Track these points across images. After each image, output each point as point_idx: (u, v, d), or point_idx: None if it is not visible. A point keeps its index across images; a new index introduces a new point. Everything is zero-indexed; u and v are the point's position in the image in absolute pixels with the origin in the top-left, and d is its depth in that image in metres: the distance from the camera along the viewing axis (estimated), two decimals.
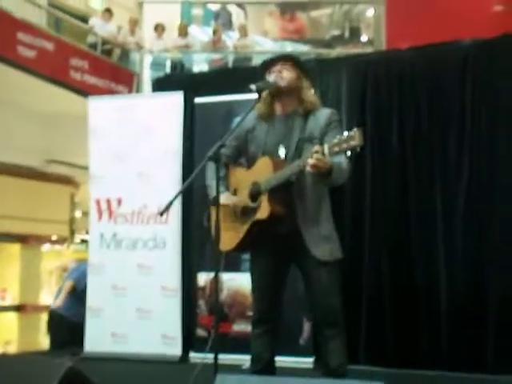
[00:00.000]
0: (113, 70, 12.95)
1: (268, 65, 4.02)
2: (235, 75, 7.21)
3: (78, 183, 14.91)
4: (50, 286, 14.51)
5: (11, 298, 13.93)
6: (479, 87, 5.70)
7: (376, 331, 5.79)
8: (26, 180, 13.59)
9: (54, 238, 15.29)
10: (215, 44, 14.47)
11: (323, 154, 3.51)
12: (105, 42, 13.34)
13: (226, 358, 3.60)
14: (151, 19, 14.97)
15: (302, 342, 5.93)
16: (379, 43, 13.18)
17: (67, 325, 7.34)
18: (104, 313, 6.44)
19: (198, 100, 6.54)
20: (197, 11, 18.22)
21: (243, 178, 3.99)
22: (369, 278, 5.87)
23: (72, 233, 15.72)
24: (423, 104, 5.88)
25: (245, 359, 5.11)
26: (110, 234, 6.55)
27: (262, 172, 3.84)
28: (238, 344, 5.69)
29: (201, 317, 6.29)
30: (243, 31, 14.54)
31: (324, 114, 3.94)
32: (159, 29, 14.13)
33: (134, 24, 14.21)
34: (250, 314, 5.56)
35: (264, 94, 3.92)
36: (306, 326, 5.93)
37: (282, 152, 3.89)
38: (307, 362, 5.80)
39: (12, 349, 12.98)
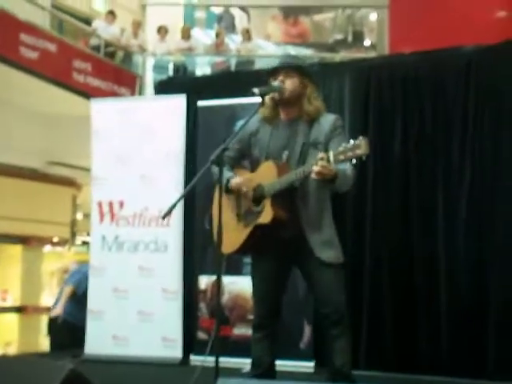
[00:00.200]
0: (115, 73, 12.96)
1: (272, 73, 4.03)
2: (238, 79, 7.22)
3: (80, 185, 14.92)
4: (50, 288, 14.51)
5: (12, 299, 13.93)
6: (482, 92, 5.70)
7: (376, 336, 5.79)
8: (27, 181, 13.60)
9: (55, 239, 15.29)
10: (218, 47, 14.49)
11: (328, 161, 3.51)
12: (108, 44, 13.35)
13: (226, 362, 3.61)
14: (154, 22, 15.01)
15: (302, 346, 5.92)
16: (382, 47, 13.23)
17: (67, 327, 7.34)
18: (105, 315, 6.43)
19: (200, 103, 6.54)
20: (200, 14, 18.27)
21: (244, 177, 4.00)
22: (369, 282, 5.87)
23: (73, 235, 15.73)
24: (426, 109, 5.88)
25: (245, 363, 5.12)
26: (111, 236, 6.54)
27: (266, 176, 3.84)
28: (238, 347, 5.68)
29: (202, 320, 6.28)
30: (247, 35, 14.55)
31: (328, 119, 3.95)
32: (162, 31, 14.14)
33: (137, 26, 14.23)
34: (251, 317, 5.56)
35: (267, 98, 3.93)
36: (307, 330, 5.91)
37: (285, 156, 3.90)
38: (308, 366, 5.79)
39: (12, 350, 12.98)
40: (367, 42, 17.76)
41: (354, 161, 3.49)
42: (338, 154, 3.50)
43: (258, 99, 3.94)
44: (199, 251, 6.34)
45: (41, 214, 13.89)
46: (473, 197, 5.62)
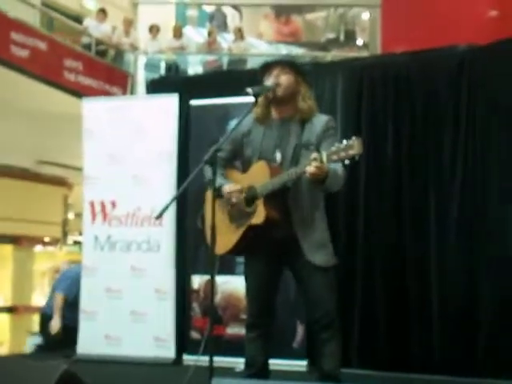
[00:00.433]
0: (107, 71, 12.93)
1: (266, 68, 4.01)
2: (231, 78, 7.20)
3: (71, 184, 14.91)
4: (42, 288, 14.50)
5: (3, 299, 13.93)
6: (474, 92, 5.71)
7: (368, 335, 5.80)
8: (18, 181, 13.60)
9: (46, 239, 15.28)
10: (210, 46, 14.49)
11: (321, 161, 3.51)
12: (99, 42, 13.31)
13: (219, 361, 3.59)
14: (146, 20, 14.98)
15: (295, 345, 5.92)
16: (374, 47, 13.24)
17: (65, 329, 7.29)
18: (97, 315, 6.41)
19: (193, 102, 6.53)
20: (192, 12, 18.27)
21: (238, 181, 3.98)
22: (362, 282, 5.88)
23: (65, 234, 15.71)
24: (418, 108, 5.89)
25: (238, 362, 5.12)
26: (104, 236, 6.53)
27: (258, 176, 3.83)
28: (231, 347, 5.68)
29: (195, 319, 6.27)
30: (239, 34, 14.54)
31: (321, 120, 3.94)
32: (154, 30, 14.13)
33: (129, 25, 14.20)
34: (244, 317, 5.56)
35: (261, 98, 3.92)
36: (300, 329, 5.92)
37: (278, 157, 3.89)
38: (301, 365, 5.80)
39: (4, 350, 12.95)
40: (359, 42, 17.80)
41: (347, 161, 3.48)
42: (331, 154, 3.49)
43: (251, 99, 3.92)
44: (192, 251, 6.33)
45: (32, 213, 13.87)
46: (464, 197, 5.64)
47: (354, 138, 3.44)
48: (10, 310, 13.87)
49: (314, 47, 17.51)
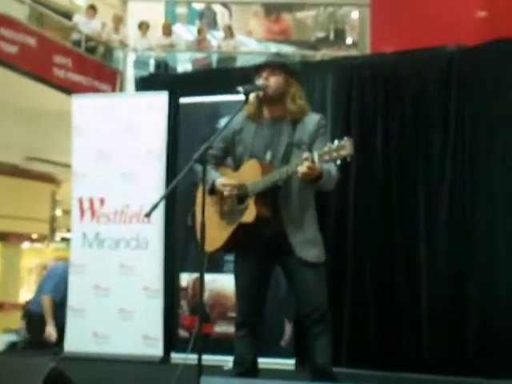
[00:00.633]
0: (96, 68, 12.91)
1: (256, 70, 4.01)
2: (221, 76, 7.18)
3: (59, 181, 14.86)
4: (29, 284, 14.45)
5: None
6: (463, 92, 5.73)
7: (358, 334, 5.80)
8: (6, 177, 13.55)
9: (34, 236, 15.23)
10: (199, 43, 14.47)
11: (313, 161, 3.51)
12: (88, 39, 13.28)
13: (206, 359, 3.59)
14: (135, 17, 14.96)
15: (283, 343, 5.93)
16: (364, 45, 13.26)
17: (44, 320, 7.25)
18: (85, 313, 6.39)
19: (182, 100, 6.52)
20: (181, 10, 18.23)
21: (230, 179, 3.98)
22: (351, 280, 5.88)
23: (52, 231, 15.66)
24: (408, 108, 5.90)
25: (226, 360, 5.12)
26: (92, 233, 6.51)
27: (250, 175, 3.83)
28: (218, 345, 5.69)
29: (183, 317, 6.27)
30: (229, 32, 14.54)
31: (313, 119, 3.94)
32: (143, 27, 14.10)
33: (119, 21, 14.18)
34: (232, 315, 5.59)
35: (252, 96, 3.92)
36: (288, 328, 5.92)
37: (268, 156, 3.89)
38: (289, 363, 5.81)
39: None
40: (349, 40, 17.83)
41: (339, 161, 3.49)
42: (323, 154, 3.50)
43: (242, 97, 3.92)
44: (180, 248, 6.33)
45: (20, 210, 13.82)
46: (453, 197, 5.65)
47: (345, 138, 3.45)
48: None
49: (304, 46, 17.52)
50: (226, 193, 3.91)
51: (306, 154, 3.55)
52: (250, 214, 3.79)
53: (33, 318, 7.45)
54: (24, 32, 11.20)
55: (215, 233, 3.93)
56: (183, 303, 6.29)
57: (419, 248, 5.72)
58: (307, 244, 3.85)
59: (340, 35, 17.89)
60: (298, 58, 12.64)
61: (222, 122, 5.96)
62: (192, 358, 3.75)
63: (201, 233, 3.65)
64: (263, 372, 4.12)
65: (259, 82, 3.94)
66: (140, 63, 13.71)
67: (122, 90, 13.02)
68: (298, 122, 3.91)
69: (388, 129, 5.95)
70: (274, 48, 16.64)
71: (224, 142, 4.05)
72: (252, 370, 3.98)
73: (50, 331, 7.01)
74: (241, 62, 13.44)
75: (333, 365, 3.94)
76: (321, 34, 18.22)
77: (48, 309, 7.08)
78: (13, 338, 7.81)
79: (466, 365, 5.42)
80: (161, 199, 3.80)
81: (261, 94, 3.91)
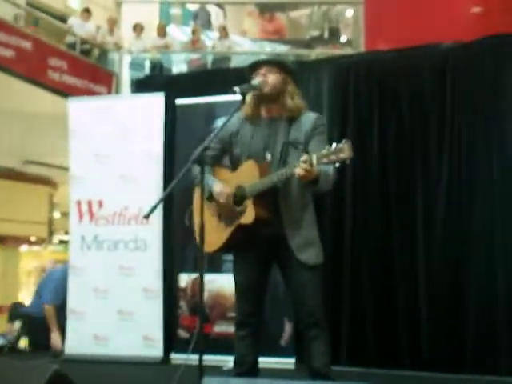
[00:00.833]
0: (92, 70, 12.90)
1: (254, 67, 4.01)
2: (216, 76, 7.20)
3: (57, 184, 14.84)
4: (28, 287, 14.41)
5: None
6: (459, 89, 5.75)
7: (357, 333, 5.82)
8: (3, 180, 13.50)
9: (32, 238, 15.20)
10: (194, 44, 14.46)
11: (311, 164, 3.51)
12: (83, 41, 13.28)
13: (206, 359, 3.59)
14: (130, 19, 14.94)
15: (283, 342, 5.94)
16: (358, 44, 13.24)
17: (45, 325, 7.24)
18: (85, 315, 6.42)
19: (179, 101, 6.53)
20: (175, 11, 18.22)
21: (228, 180, 3.98)
22: (350, 279, 5.90)
23: (50, 234, 15.63)
24: (404, 106, 5.91)
25: (225, 360, 5.14)
26: (91, 235, 6.53)
27: (248, 176, 3.84)
28: (218, 345, 5.69)
29: (182, 318, 6.29)
30: (223, 32, 14.54)
31: (309, 118, 3.94)
32: (138, 29, 14.08)
33: (113, 24, 14.16)
34: (231, 315, 5.60)
35: (249, 96, 3.92)
36: (287, 327, 5.94)
37: (268, 156, 3.89)
38: (289, 362, 5.82)
39: None
40: (343, 39, 17.82)
41: (338, 164, 3.49)
42: (322, 157, 3.49)
43: (238, 97, 3.92)
44: (179, 249, 6.34)
45: (17, 213, 13.79)
46: (450, 196, 5.67)
47: (344, 141, 3.45)
48: None
49: (298, 45, 17.49)
50: (221, 200, 3.93)
51: (304, 157, 3.55)
52: (248, 216, 3.79)
53: (32, 321, 7.43)
54: (19, 36, 11.20)
55: (214, 234, 3.93)
56: (182, 304, 6.30)
57: (417, 247, 5.74)
58: (306, 245, 3.85)
59: (334, 34, 17.88)
60: (293, 57, 12.63)
61: (219, 122, 5.97)
62: (192, 358, 3.75)
63: (199, 234, 3.65)
64: (263, 371, 4.11)
65: (256, 80, 3.94)
66: (135, 65, 13.70)
67: (117, 92, 13.00)
68: (294, 121, 3.91)
69: (384, 127, 5.97)
70: (268, 47, 16.65)
71: (221, 142, 4.05)
72: (253, 370, 3.97)
73: (56, 340, 6.97)
74: (235, 62, 13.43)
75: (332, 363, 3.94)
76: (315, 33, 18.20)
77: (52, 318, 7.04)
78: (2, 341, 7.75)
79: (465, 362, 5.45)
80: (159, 201, 3.79)
81: (257, 92, 3.91)
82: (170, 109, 6.57)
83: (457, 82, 5.76)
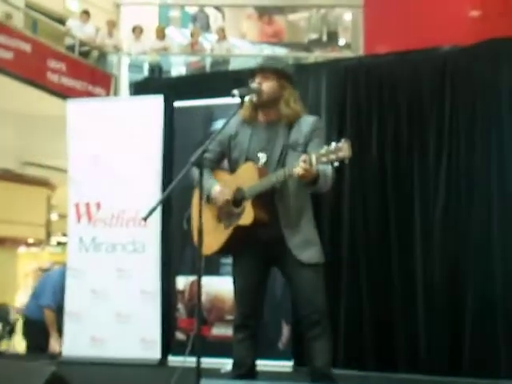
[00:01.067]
0: (90, 72, 12.92)
1: (251, 74, 4.02)
2: (215, 79, 7.20)
3: (55, 185, 14.85)
4: (25, 289, 14.42)
5: None
6: (458, 93, 5.75)
7: (354, 335, 5.81)
8: (1, 182, 13.53)
9: (30, 240, 15.21)
10: (193, 47, 14.48)
11: (310, 163, 3.52)
12: (82, 43, 13.29)
13: (203, 362, 3.59)
14: (129, 21, 14.97)
15: (280, 345, 5.94)
16: (357, 47, 13.26)
17: (42, 328, 7.23)
18: (83, 317, 6.39)
19: (177, 104, 6.54)
20: (174, 13, 18.26)
21: (226, 182, 4.00)
22: (347, 282, 5.89)
23: (48, 235, 15.64)
24: (402, 109, 5.91)
25: (223, 363, 5.14)
26: (89, 237, 6.52)
27: (247, 178, 3.85)
28: (215, 348, 5.68)
29: (180, 320, 6.28)
30: (222, 34, 14.56)
31: (308, 121, 3.95)
32: (137, 31, 14.12)
33: (112, 26, 14.20)
34: (229, 318, 5.60)
35: (247, 100, 3.93)
36: (285, 330, 5.93)
37: (264, 158, 3.90)
38: (287, 365, 5.82)
39: None
40: (342, 42, 17.85)
41: (337, 163, 3.50)
42: (321, 156, 3.51)
43: (237, 100, 3.93)
44: (177, 252, 6.34)
45: (15, 214, 13.80)
46: (449, 196, 5.67)
47: (343, 140, 3.46)
48: None
49: (297, 48, 17.53)
50: (219, 202, 3.94)
51: (303, 156, 3.56)
52: (247, 217, 3.80)
53: (30, 324, 7.43)
54: (19, 38, 11.21)
55: (212, 237, 3.94)
56: (180, 306, 6.30)
57: (415, 249, 5.73)
58: (305, 245, 3.86)
59: (333, 37, 17.91)
60: (291, 60, 12.64)
61: (217, 125, 5.98)
62: (190, 360, 3.76)
63: (198, 237, 3.66)
64: (261, 374, 4.13)
65: (254, 84, 3.94)
66: (134, 67, 13.72)
67: (116, 94, 13.03)
68: (293, 125, 3.93)
69: (383, 130, 5.96)
70: (267, 50, 16.67)
71: (220, 145, 4.07)
72: (251, 373, 3.99)
73: (55, 345, 6.97)
74: (234, 64, 13.46)
75: (331, 367, 3.95)
76: (314, 36, 18.24)
77: (52, 323, 7.03)
78: None
79: (463, 365, 5.44)
80: (158, 203, 3.80)
81: (255, 98, 3.92)
82: (169, 111, 6.56)
83: (456, 85, 5.76)
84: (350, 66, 6.33)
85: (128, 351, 6.22)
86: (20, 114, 11.85)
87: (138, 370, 5.98)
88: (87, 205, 6.57)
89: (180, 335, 6.23)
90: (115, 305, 6.31)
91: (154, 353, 6.22)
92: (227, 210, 3.93)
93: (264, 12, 18.59)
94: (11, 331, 10.94)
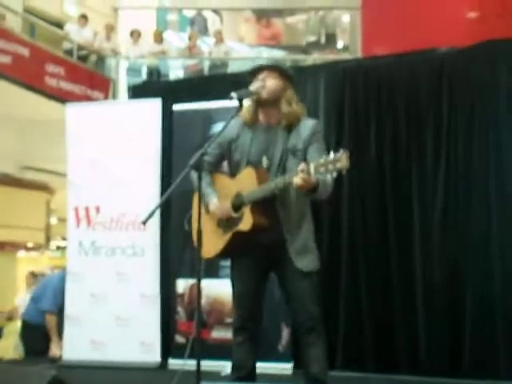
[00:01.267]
0: (89, 76, 12.92)
1: (255, 72, 4.02)
2: (213, 82, 7.21)
3: (54, 189, 14.85)
4: (18, 293, 14.43)
5: None
6: (455, 94, 5.76)
7: (353, 337, 5.82)
8: (0, 187, 13.52)
9: (29, 244, 15.21)
10: (191, 50, 14.48)
11: (309, 173, 3.52)
12: (80, 48, 13.30)
13: (203, 365, 3.59)
14: (127, 25, 14.97)
15: (280, 348, 5.93)
16: (355, 49, 13.27)
17: (42, 332, 7.23)
18: (83, 320, 6.40)
19: (176, 107, 6.54)
20: (172, 17, 18.26)
21: (226, 186, 4.00)
22: (346, 283, 5.90)
23: (48, 239, 15.64)
24: (401, 111, 5.93)
25: (223, 366, 5.14)
26: (88, 241, 6.52)
27: (246, 183, 3.84)
28: (215, 351, 5.67)
29: (179, 324, 6.28)
30: (219, 36, 14.57)
31: (307, 125, 3.94)
32: (135, 35, 14.12)
33: (110, 30, 14.21)
34: (228, 320, 5.60)
35: (247, 102, 3.93)
36: (285, 332, 5.93)
37: (265, 162, 3.90)
38: (286, 368, 5.82)
39: None
40: (340, 44, 17.84)
41: (335, 174, 3.50)
42: (319, 166, 3.49)
43: (235, 103, 3.93)
44: (176, 255, 6.34)
45: (15, 219, 13.80)
46: (448, 198, 5.68)
47: (341, 151, 3.46)
48: None
49: (295, 50, 17.52)
50: (216, 218, 3.95)
51: (301, 166, 3.55)
52: (246, 223, 3.80)
53: (28, 328, 7.43)
54: (17, 42, 11.22)
55: (211, 240, 3.94)
56: (180, 309, 6.30)
57: (414, 251, 5.74)
58: (303, 252, 3.85)
59: (331, 39, 17.90)
60: (290, 63, 12.64)
61: (216, 128, 5.98)
62: (189, 363, 3.76)
63: (197, 241, 3.66)
64: (261, 376, 4.12)
65: (253, 86, 3.94)
66: (132, 71, 13.72)
67: (114, 97, 13.03)
68: (292, 128, 3.92)
69: (381, 132, 5.97)
70: (265, 53, 16.66)
71: (220, 148, 4.06)
72: (250, 375, 3.99)
73: (55, 349, 6.96)
74: (232, 67, 13.47)
75: (328, 368, 3.95)
76: (312, 38, 18.22)
77: (53, 327, 7.02)
78: None
79: (463, 366, 5.45)
80: (157, 207, 3.80)
81: (255, 97, 3.92)
82: (167, 115, 6.57)
83: (453, 86, 5.77)
84: (348, 68, 6.35)
85: (128, 355, 6.23)
86: (18, 118, 11.85)
87: (137, 373, 5.99)
88: (86, 209, 6.58)
89: (180, 338, 6.23)
90: (115, 308, 6.32)
91: (154, 356, 6.23)
92: (227, 215, 3.93)
93: (262, 15, 18.58)
94: None
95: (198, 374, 3.54)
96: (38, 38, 13.05)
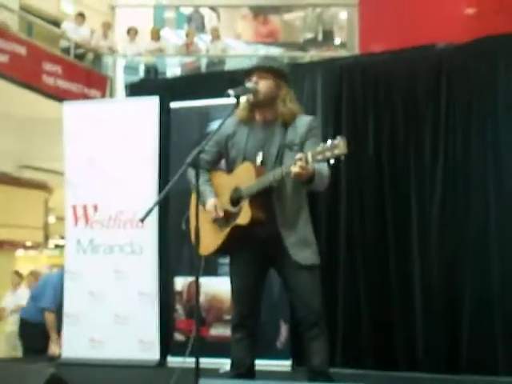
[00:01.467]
0: (86, 75, 12.90)
1: (247, 73, 4.02)
2: (211, 80, 7.20)
3: (52, 188, 14.85)
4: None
5: None
6: (453, 90, 5.76)
7: (352, 334, 5.81)
8: None
9: (28, 243, 15.20)
10: (188, 47, 14.47)
11: (306, 161, 3.52)
12: (78, 46, 13.29)
13: (202, 362, 3.59)
14: (124, 23, 14.95)
15: (279, 345, 5.94)
16: (352, 46, 13.27)
17: (40, 330, 7.23)
18: (81, 319, 6.40)
19: (173, 105, 6.54)
20: (169, 14, 18.22)
21: (224, 182, 4.00)
22: (345, 280, 5.90)
23: (46, 238, 15.64)
24: (398, 107, 5.92)
25: (221, 363, 5.14)
26: (86, 239, 6.52)
27: (244, 177, 3.85)
28: (214, 348, 5.68)
29: (178, 321, 6.28)
30: (215, 33, 14.56)
31: (304, 121, 3.95)
32: (132, 33, 14.10)
33: (107, 28, 14.19)
34: (227, 318, 5.60)
35: (243, 100, 3.93)
36: (283, 329, 5.93)
37: (260, 157, 3.90)
38: (285, 364, 5.82)
39: None
40: (337, 41, 17.82)
41: (332, 161, 3.50)
42: (316, 153, 3.50)
43: (232, 100, 3.92)
44: (174, 252, 6.34)
45: (13, 217, 13.80)
46: (446, 195, 5.68)
47: (339, 137, 3.46)
48: None
49: (293, 47, 17.52)
50: (212, 215, 3.95)
51: (299, 155, 3.56)
52: (244, 217, 3.80)
53: (27, 326, 7.43)
54: (14, 41, 11.21)
55: (210, 236, 3.94)
56: (178, 307, 6.30)
57: (412, 248, 5.74)
58: (302, 246, 3.85)
59: (328, 36, 17.88)
60: (287, 60, 12.64)
61: (214, 125, 5.98)
62: (188, 361, 3.76)
63: (195, 237, 3.67)
64: (259, 374, 4.12)
65: (250, 84, 3.94)
66: (130, 69, 13.72)
67: (112, 95, 13.01)
68: (289, 125, 3.92)
69: (379, 129, 5.97)
70: (262, 50, 16.65)
71: (217, 145, 4.07)
72: (249, 372, 3.99)
73: (54, 347, 6.96)
74: (230, 65, 13.47)
75: (328, 366, 3.96)
76: (309, 35, 18.20)
77: (53, 326, 7.02)
78: None
79: (461, 363, 5.45)
80: (155, 204, 3.80)
81: (251, 98, 3.92)
82: (165, 112, 6.56)
83: (451, 83, 5.76)
84: (345, 65, 6.34)
85: (126, 352, 6.23)
86: (16, 117, 11.83)
87: (136, 371, 5.99)
88: (84, 207, 6.58)
89: (178, 336, 6.23)
90: (113, 306, 6.32)
91: (153, 354, 6.23)
92: (224, 210, 3.93)
93: (259, 12, 18.56)
94: None
95: (197, 371, 3.55)
96: (35, 36, 13.04)
